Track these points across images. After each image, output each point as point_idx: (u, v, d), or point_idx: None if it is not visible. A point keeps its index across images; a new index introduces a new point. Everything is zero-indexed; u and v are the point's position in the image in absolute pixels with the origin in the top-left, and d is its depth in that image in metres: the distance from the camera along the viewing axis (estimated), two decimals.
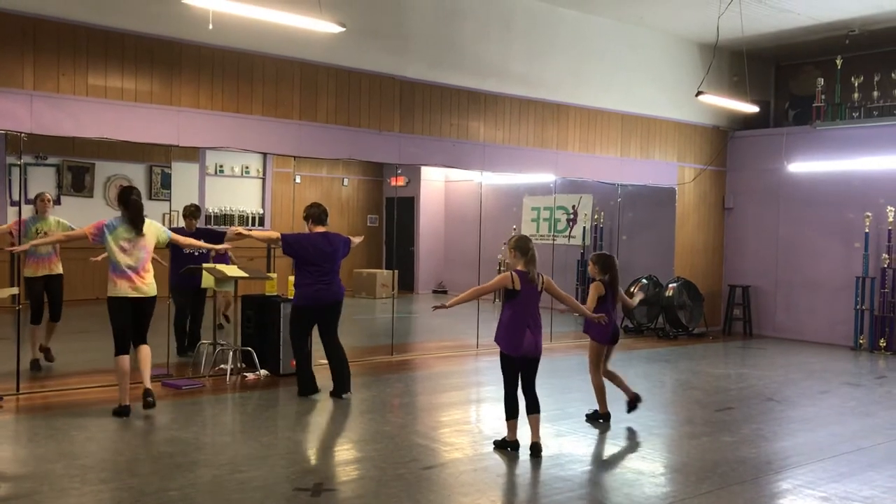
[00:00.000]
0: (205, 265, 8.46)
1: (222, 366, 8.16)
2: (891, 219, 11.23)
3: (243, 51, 8.33)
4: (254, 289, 9.05)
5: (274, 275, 8.87)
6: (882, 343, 11.32)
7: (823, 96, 12.03)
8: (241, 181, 15.23)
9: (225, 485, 4.92)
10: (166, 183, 13.18)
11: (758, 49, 12.44)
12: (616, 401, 6.88)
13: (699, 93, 10.39)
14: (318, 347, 7.49)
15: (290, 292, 7.85)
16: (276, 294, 8.62)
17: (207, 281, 8.46)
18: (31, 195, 9.14)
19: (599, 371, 6.80)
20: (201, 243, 7.57)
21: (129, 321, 6.56)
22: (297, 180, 15.50)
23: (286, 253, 7.38)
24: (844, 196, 11.88)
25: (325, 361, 7.55)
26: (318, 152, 9.25)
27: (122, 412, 6.43)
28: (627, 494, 5.01)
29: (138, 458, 5.45)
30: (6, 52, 7.04)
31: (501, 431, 5.98)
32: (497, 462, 5.62)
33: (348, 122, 9.16)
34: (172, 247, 8.09)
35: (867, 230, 11.47)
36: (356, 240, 7.81)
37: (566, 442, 6.18)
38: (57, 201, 11.63)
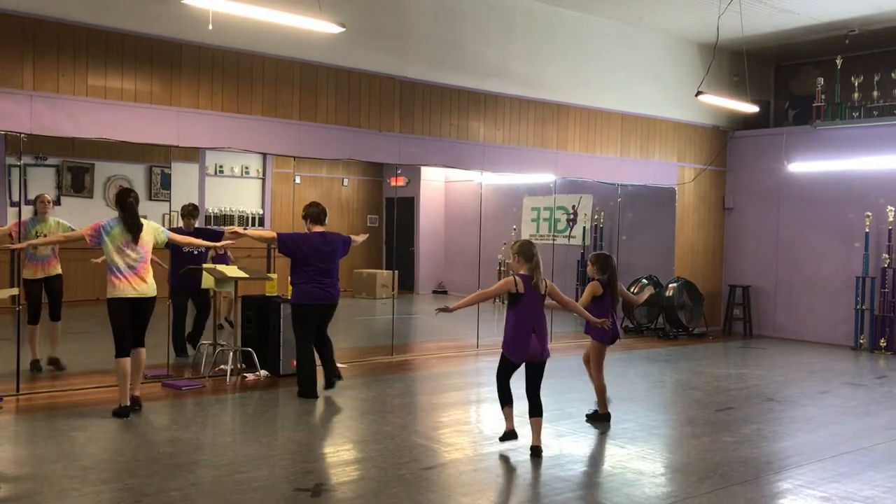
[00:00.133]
0: (205, 266, 8.47)
1: (222, 366, 8.15)
2: (891, 218, 11.23)
3: (243, 51, 8.33)
4: (254, 289, 9.05)
5: (274, 275, 8.87)
6: (882, 343, 11.32)
7: (823, 96, 12.03)
8: (240, 181, 15.24)
9: (225, 485, 4.92)
10: (166, 183, 13.19)
11: (758, 49, 12.44)
12: (617, 401, 6.87)
13: (699, 93, 10.39)
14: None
15: (290, 292, 7.85)
16: (276, 294, 8.62)
17: (207, 281, 8.46)
18: (31, 196, 9.15)
19: (601, 371, 6.80)
20: (200, 241, 7.58)
21: (130, 322, 6.56)
22: (297, 181, 15.51)
23: (282, 252, 7.39)
24: (844, 196, 11.88)
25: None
26: (318, 153, 9.25)
27: (122, 413, 6.42)
28: (627, 494, 5.00)
29: (138, 459, 5.44)
30: (6, 52, 7.03)
31: (501, 432, 5.98)
32: (497, 462, 5.62)
33: (348, 122, 9.16)
34: (172, 248, 8.11)
35: (867, 230, 11.47)
36: (358, 238, 7.78)
37: (566, 442, 6.18)
38: (57, 202, 11.64)
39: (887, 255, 11.30)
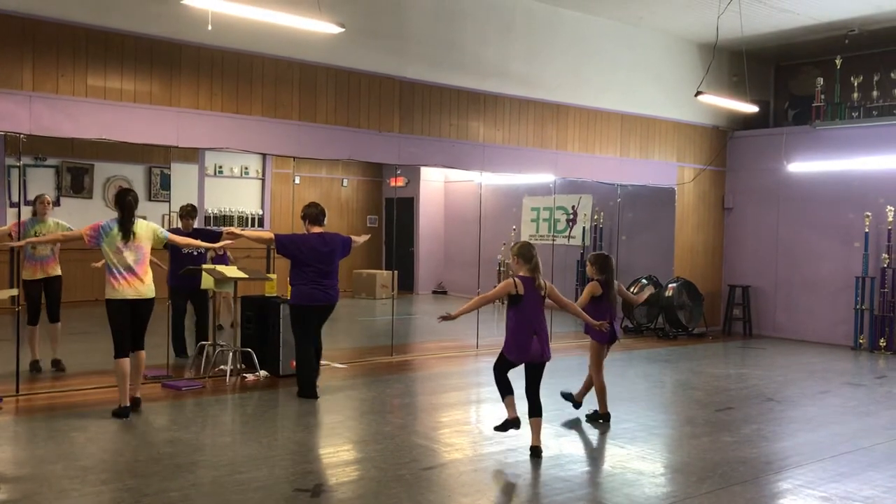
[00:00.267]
0: (204, 266, 8.46)
1: (222, 367, 8.15)
2: (890, 218, 11.23)
3: (243, 51, 8.33)
4: (253, 290, 9.04)
5: (273, 276, 8.87)
6: (882, 343, 11.32)
7: (823, 96, 12.03)
8: (240, 182, 15.24)
9: (225, 485, 4.91)
10: (166, 184, 13.19)
11: (757, 49, 12.44)
12: (617, 401, 6.88)
13: (699, 93, 10.39)
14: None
15: (290, 293, 7.84)
16: (275, 295, 8.62)
17: (207, 282, 8.46)
18: (31, 196, 9.14)
19: (601, 371, 6.81)
20: (199, 242, 7.57)
21: (129, 323, 6.55)
22: (297, 181, 15.52)
23: (281, 253, 7.38)
24: (844, 196, 11.88)
25: (322, 363, 7.56)
26: (318, 153, 9.24)
27: (121, 413, 6.42)
28: (627, 494, 5.00)
29: (138, 460, 5.44)
30: (5, 53, 7.03)
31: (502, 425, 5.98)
32: (497, 462, 5.61)
33: (348, 122, 9.16)
34: (171, 248, 8.10)
35: (867, 230, 11.48)
36: (359, 239, 7.75)
37: (566, 442, 6.18)
38: (56, 202, 11.63)
39: (887, 255, 11.30)
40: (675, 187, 12.56)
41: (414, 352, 10.33)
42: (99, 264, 7.07)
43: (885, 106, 11.50)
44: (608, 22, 11.37)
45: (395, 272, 14.10)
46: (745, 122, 13.04)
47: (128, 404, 6.49)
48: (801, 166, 12.36)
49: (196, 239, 7.80)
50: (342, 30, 7.65)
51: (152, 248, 6.78)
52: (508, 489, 5.22)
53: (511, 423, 5.85)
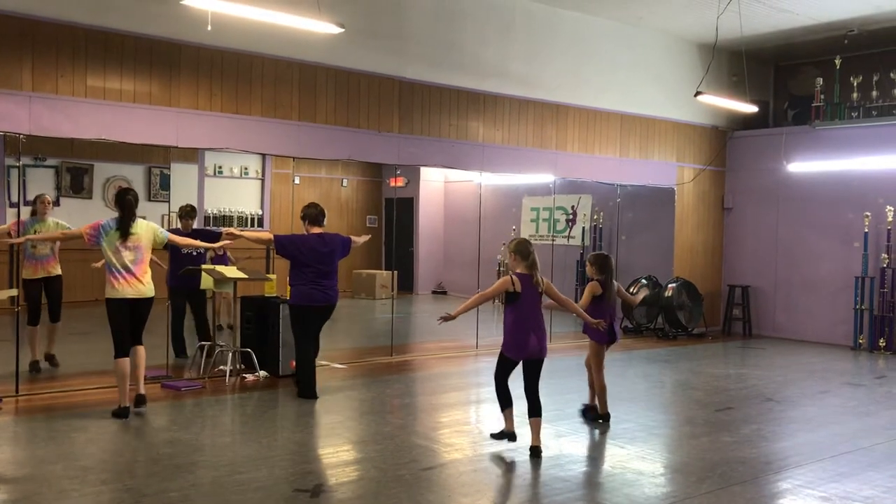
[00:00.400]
0: (204, 266, 8.46)
1: (221, 367, 8.15)
2: (890, 218, 11.23)
3: (242, 52, 8.33)
4: (253, 290, 9.04)
5: (273, 276, 8.87)
6: (882, 343, 11.32)
7: (822, 96, 12.03)
8: (240, 182, 15.23)
9: (225, 486, 4.91)
10: (165, 184, 13.18)
11: (757, 49, 12.44)
12: (617, 401, 6.87)
13: (698, 93, 10.39)
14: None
15: (289, 293, 7.84)
16: (275, 295, 8.62)
17: (206, 282, 8.46)
18: (30, 197, 9.14)
19: (601, 371, 6.80)
20: (198, 242, 7.57)
21: (128, 323, 6.55)
22: (296, 181, 15.50)
23: (280, 254, 7.38)
24: (843, 196, 11.88)
25: (322, 363, 7.55)
26: (318, 153, 9.24)
27: (121, 413, 6.42)
28: (627, 494, 5.00)
29: (138, 460, 5.45)
30: (5, 53, 7.03)
31: (498, 430, 5.98)
32: (497, 462, 5.61)
33: (347, 122, 9.16)
34: (171, 248, 8.09)
35: (866, 230, 11.48)
36: (359, 240, 7.74)
37: (566, 442, 6.18)
38: (56, 202, 11.62)
39: (886, 255, 11.30)
40: (674, 187, 12.57)
41: (414, 352, 10.33)
42: (99, 264, 7.07)
43: (884, 106, 11.50)
44: (608, 22, 11.37)
45: (395, 272, 14.10)
46: (745, 122, 13.04)
47: (128, 404, 6.49)
48: (801, 166, 12.37)
49: (196, 239, 7.80)
50: (342, 30, 7.65)
51: (153, 248, 6.78)
52: (508, 489, 5.22)
53: (507, 435, 5.90)
